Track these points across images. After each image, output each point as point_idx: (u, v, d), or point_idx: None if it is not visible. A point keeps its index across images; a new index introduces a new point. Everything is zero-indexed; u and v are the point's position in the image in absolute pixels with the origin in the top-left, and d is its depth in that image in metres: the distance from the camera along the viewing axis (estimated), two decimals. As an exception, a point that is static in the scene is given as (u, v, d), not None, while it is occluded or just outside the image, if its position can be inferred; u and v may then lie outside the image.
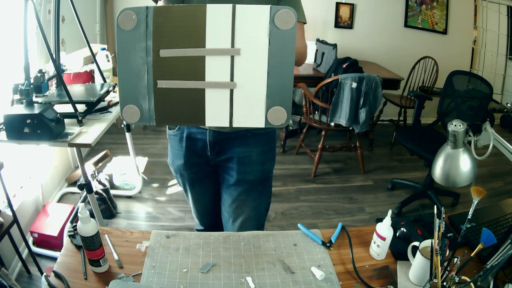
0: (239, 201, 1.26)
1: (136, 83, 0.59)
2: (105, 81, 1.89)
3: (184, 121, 0.66)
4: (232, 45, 0.57)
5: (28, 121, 1.28)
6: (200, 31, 0.57)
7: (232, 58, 0.58)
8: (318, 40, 3.23)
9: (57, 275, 0.83)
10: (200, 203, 1.43)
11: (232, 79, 0.58)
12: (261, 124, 0.61)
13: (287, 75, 0.59)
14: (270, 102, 0.59)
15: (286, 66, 0.58)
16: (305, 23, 1.14)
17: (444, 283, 0.74)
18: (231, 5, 0.56)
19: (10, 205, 1.52)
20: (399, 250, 0.96)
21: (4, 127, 1.31)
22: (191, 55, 0.57)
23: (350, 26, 3.62)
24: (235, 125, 0.61)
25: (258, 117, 0.60)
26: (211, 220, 1.49)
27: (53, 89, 1.66)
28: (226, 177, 1.26)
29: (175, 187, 2.58)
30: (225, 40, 0.57)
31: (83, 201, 2.07)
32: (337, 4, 3.53)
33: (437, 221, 0.78)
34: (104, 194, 2.22)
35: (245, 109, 0.60)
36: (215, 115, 0.61)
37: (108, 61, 1.98)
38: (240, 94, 0.59)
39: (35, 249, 1.87)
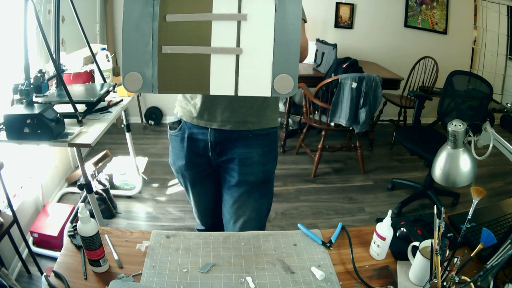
0: (240, 202, 1.26)
1: (140, 49, 0.58)
2: (105, 81, 1.89)
3: (187, 89, 0.62)
4: (239, 10, 0.55)
5: (28, 121, 1.28)
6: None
7: (239, 23, 0.56)
8: (318, 40, 3.23)
9: (57, 275, 0.83)
10: (201, 203, 1.43)
11: (238, 45, 0.57)
12: (268, 93, 0.59)
13: (294, 42, 0.57)
14: (276, 69, 0.58)
15: (292, 33, 0.57)
16: (305, 21, 1.14)
17: (444, 283, 0.74)
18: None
19: (10, 205, 1.52)
20: (399, 250, 0.96)
21: (4, 127, 1.31)
22: (198, 20, 0.56)
23: (350, 26, 3.62)
24: (240, 93, 0.59)
25: (264, 85, 0.59)
26: (212, 220, 1.49)
27: (53, 89, 1.66)
28: (227, 178, 1.26)
29: (175, 187, 2.58)
30: (232, 5, 0.56)
31: (83, 201, 2.07)
32: (337, 4, 3.53)
33: (437, 221, 0.78)
34: (104, 194, 2.22)
35: (251, 77, 0.59)
36: (220, 83, 0.59)
37: (108, 61, 1.98)
38: (246, 61, 0.58)
39: (35, 249, 1.87)
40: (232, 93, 0.59)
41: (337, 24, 3.60)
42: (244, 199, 1.25)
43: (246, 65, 0.58)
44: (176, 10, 0.56)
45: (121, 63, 0.61)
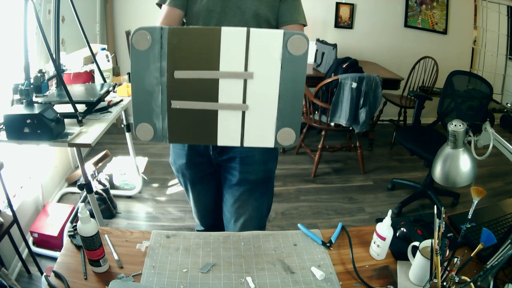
0: (241, 201, 1.26)
1: (150, 102, 0.60)
2: (105, 81, 1.89)
3: (196, 140, 0.67)
4: (246, 69, 0.58)
5: (28, 121, 1.28)
6: (214, 54, 0.58)
7: (245, 81, 0.59)
8: (318, 40, 3.23)
9: (57, 275, 0.83)
10: (201, 202, 1.43)
11: (244, 101, 0.60)
12: (271, 145, 0.63)
13: (298, 98, 0.61)
14: (280, 124, 0.61)
15: (297, 89, 0.60)
16: (305, 25, 1.14)
17: (444, 283, 0.74)
18: (245, 29, 0.57)
19: (10, 205, 1.52)
20: (399, 250, 0.96)
21: (4, 127, 1.31)
22: (205, 77, 0.59)
23: (350, 26, 3.62)
24: (245, 145, 0.63)
25: (268, 138, 0.63)
26: (212, 221, 1.49)
27: (53, 89, 1.66)
28: (228, 176, 1.26)
29: (175, 187, 2.58)
30: (239, 63, 0.58)
31: (83, 201, 2.07)
32: (337, 4, 3.53)
33: (437, 221, 0.78)
34: (104, 194, 2.22)
35: (255, 130, 0.62)
36: (227, 136, 0.63)
37: (108, 61, 1.98)
38: (251, 116, 0.61)
39: (35, 249, 1.87)
40: (238, 145, 0.63)
41: (337, 24, 3.60)
42: (245, 198, 1.25)
43: (252, 120, 0.62)
44: (184, 66, 0.59)
45: (131, 112, 0.63)
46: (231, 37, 0.57)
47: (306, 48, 0.58)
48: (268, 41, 0.58)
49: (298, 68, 0.59)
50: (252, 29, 0.57)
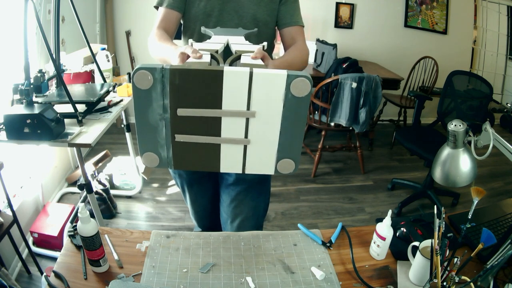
0: (237, 200, 1.26)
1: (155, 135, 0.62)
2: (105, 81, 1.89)
3: (200, 167, 0.70)
4: (248, 108, 0.60)
5: (28, 121, 1.28)
6: (217, 94, 0.59)
7: (247, 118, 0.61)
8: (318, 40, 3.23)
9: (57, 275, 0.83)
10: (199, 204, 1.43)
11: (246, 136, 0.62)
12: (271, 172, 0.66)
13: (298, 133, 0.63)
14: (280, 155, 0.64)
15: (298, 126, 0.62)
16: (303, 26, 1.16)
17: (444, 283, 0.74)
18: (248, 70, 0.58)
19: (10, 205, 1.52)
20: (399, 250, 0.96)
21: (4, 127, 1.31)
22: (208, 115, 0.60)
23: (350, 26, 3.62)
24: (247, 172, 0.66)
25: (268, 166, 0.66)
26: (209, 222, 1.49)
27: (53, 89, 1.66)
28: (225, 176, 1.26)
29: (175, 187, 2.58)
30: (241, 103, 0.60)
31: (83, 201, 2.07)
32: (337, 4, 3.53)
33: (437, 221, 0.78)
34: (104, 194, 2.22)
35: (256, 161, 0.65)
36: (229, 164, 0.66)
37: (108, 61, 1.98)
38: (253, 149, 0.64)
39: (35, 249, 1.87)
40: (240, 172, 0.66)
41: (337, 24, 3.60)
42: (241, 197, 1.25)
43: (253, 152, 0.64)
44: (186, 105, 0.60)
45: (137, 141, 0.65)
46: (234, 78, 0.58)
47: (309, 90, 0.59)
48: (271, 83, 0.59)
49: (300, 108, 0.60)
50: (255, 71, 0.58)
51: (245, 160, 0.65)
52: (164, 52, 0.95)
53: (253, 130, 0.62)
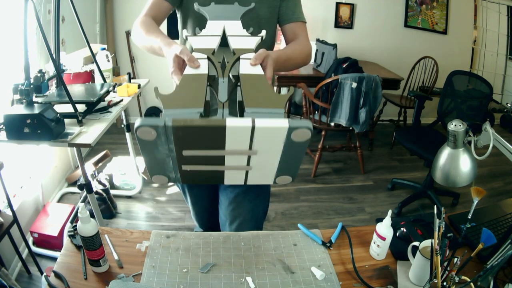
0: (235, 203, 1.25)
1: (162, 166, 0.68)
2: (105, 81, 1.89)
3: (206, 182, 0.83)
4: (250, 148, 0.64)
5: (28, 121, 1.28)
6: (220, 141, 0.63)
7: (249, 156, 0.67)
8: (318, 40, 3.23)
9: (57, 275, 0.83)
10: (199, 205, 1.43)
11: (248, 164, 0.68)
12: (270, 183, 0.73)
13: (298, 160, 0.68)
14: (279, 173, 0.70)
15: (297, 157, 0.68)
16: (305, 22, 1.14)
17: (444, 283, 0.74)
18: (250, 125, 0.60)
19: (10, 205, 1.52)
20: (399, 250, 0.96)
21: (4, 127, 1.31)
22: (212, 155, 0.66)
23: (350, 26, 3.62)
24: (248, 183, 0.73)
25: (268, 179, 0.72)
26: (210, 223, 1.49)
27: (53, 89, 1.66)
28: None
29: (175, 187, 2.58)
30: (244, 146, 0.64)
31: (83, 201, 2.07)
32: (337, 4, 3.53)
33: (437, 221, 0.78)
34: (104, 194, 2.22)
35: (257, 177, 0.72)
36: (232, 179, 0.73)
37: (108, 61, 1.98)
38: (253, 172, 0.70)
39: (35, 249, 1.87)
40: (242, 183, 0.73)
41: (337, 24, 3.60)
42: (240, 199, 1.25)
43: (254, 174, 0.71)
44: (191, 148, 0.64)
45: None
46: (236, 131, 0.61)
47: (309, 136, 0.62)
48: (273, 134, 0.62)
49: (300, 147, 0.64)
50: (257, 125, 0.61)
51: (247, 177, 0.72)
52: (154, 43, 0.91)
53: (254, 161, 0.67)
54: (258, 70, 0.76)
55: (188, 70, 0.74)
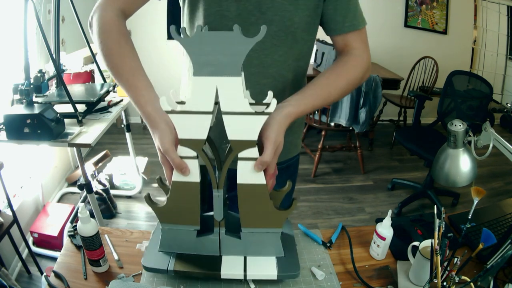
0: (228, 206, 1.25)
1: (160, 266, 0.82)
2: (105, 81, 1.89)
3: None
4: (244, 270, 0.78)
5: (28, 121, 1.28)
6: (216, 275, 0.79)
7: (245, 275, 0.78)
8: (318, 40, 3.23)
9: (57, 275, 0.83)
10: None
11: (245, 271, 0.79)
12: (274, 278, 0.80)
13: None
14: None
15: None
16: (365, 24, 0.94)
17: (444, 283, 0.74)
18: (242, 274, 0.76)
19: (10, 205, 1.52)
20: (399, 250, 0.96)
21: (4, 127, 1.31)
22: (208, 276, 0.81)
23: (350, 26, 3.62)
24: (248, 278, 0.80)
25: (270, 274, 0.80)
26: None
27: (53, 89, 1.66)
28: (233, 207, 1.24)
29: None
30: (238, 270, 0.79)
31: (83, 201, 2.07)
32: (337, 4, 3.53)
33: (437, 221, 0.78)
34: (104, 194, 2.22)
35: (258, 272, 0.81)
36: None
37: (108, 61, 1.98)
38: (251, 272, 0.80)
39: (35, 249, 1.87)
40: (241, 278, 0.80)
41: (337, 24, 3.60)
42: (231, 203, 1.24)
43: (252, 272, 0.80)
44: (188, 268, 0.79)
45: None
46: (230, 265, 0.78)
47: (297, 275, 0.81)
48: (264, 277, 0.78)
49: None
50: (248, 274, 0.76)
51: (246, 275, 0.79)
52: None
53: (251, 269, 0.79)
54: (259, 178, 0.70)
55: (178, 177, 0.72)
